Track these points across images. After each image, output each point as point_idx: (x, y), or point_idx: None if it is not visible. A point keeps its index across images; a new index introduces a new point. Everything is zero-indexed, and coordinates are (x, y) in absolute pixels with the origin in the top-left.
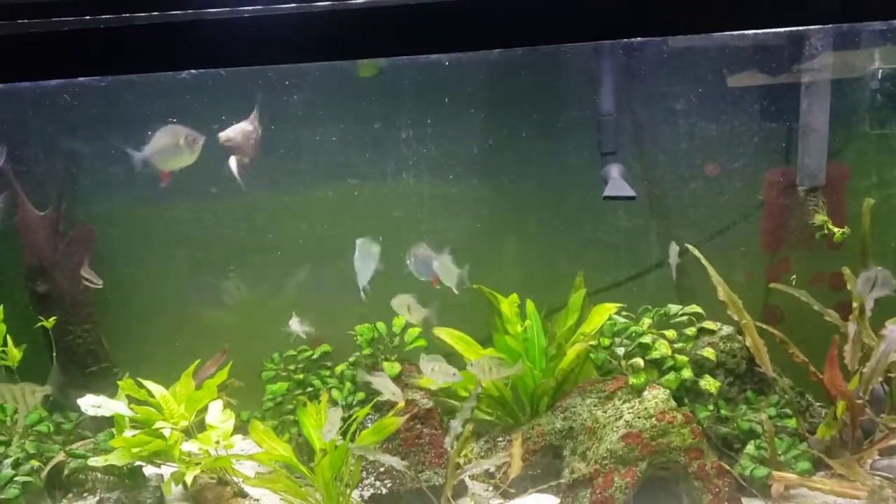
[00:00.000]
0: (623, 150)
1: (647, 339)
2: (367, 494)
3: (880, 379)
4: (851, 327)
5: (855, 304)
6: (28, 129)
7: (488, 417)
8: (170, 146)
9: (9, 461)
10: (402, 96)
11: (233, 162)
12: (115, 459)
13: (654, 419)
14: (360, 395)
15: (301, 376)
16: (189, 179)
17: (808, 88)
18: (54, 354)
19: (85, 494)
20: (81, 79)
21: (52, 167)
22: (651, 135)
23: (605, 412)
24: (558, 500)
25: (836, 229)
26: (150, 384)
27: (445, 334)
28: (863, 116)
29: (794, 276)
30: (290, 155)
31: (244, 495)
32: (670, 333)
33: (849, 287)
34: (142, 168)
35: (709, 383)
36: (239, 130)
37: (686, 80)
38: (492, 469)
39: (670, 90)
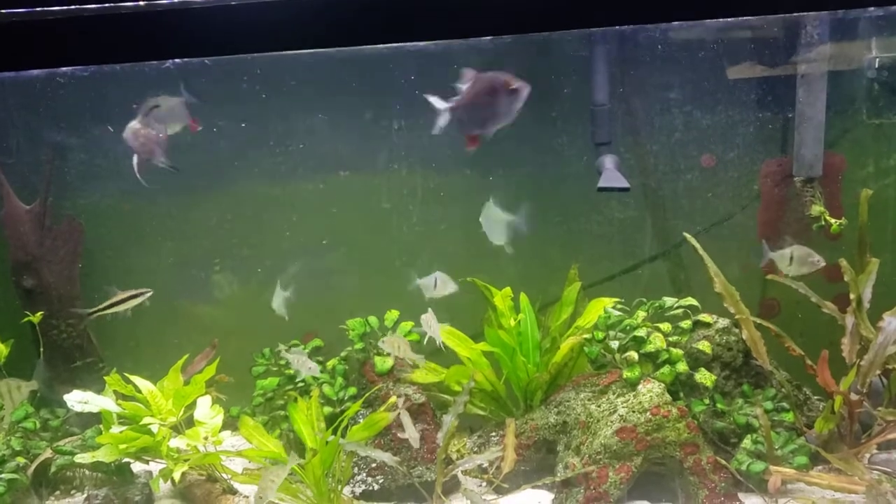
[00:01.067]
0: (617, 140)
1: (641, 333)
2: (358, 490)
3: (878, 372)
4: (849, 319)
5: (853, 296)
6: (11, 121)
7: (481, 412)
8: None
9: None
10: (392, 86)
11: (134, 160)
12: (102, 456)
13: (648, 413)
14: (352, 391)
15: (292, 371)
16: (174, 173)
17: (804, 77)
18: (41, 350)
19: (72, 492)
20: (64, 69)
21: (36, 159)
22: (645, 125)
23: (598, 406)
24: (552, 496)
25: (833, 220)
26: (137, 379)
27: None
28: (860, 105)
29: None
30: (279, 147)
31: (234, 492)
32: (665, 326)
33: (846, 278)
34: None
35: (704, 377)
36: (129, 130)
37: (681, 69)
38: (485, 464)
39: (665, 80)
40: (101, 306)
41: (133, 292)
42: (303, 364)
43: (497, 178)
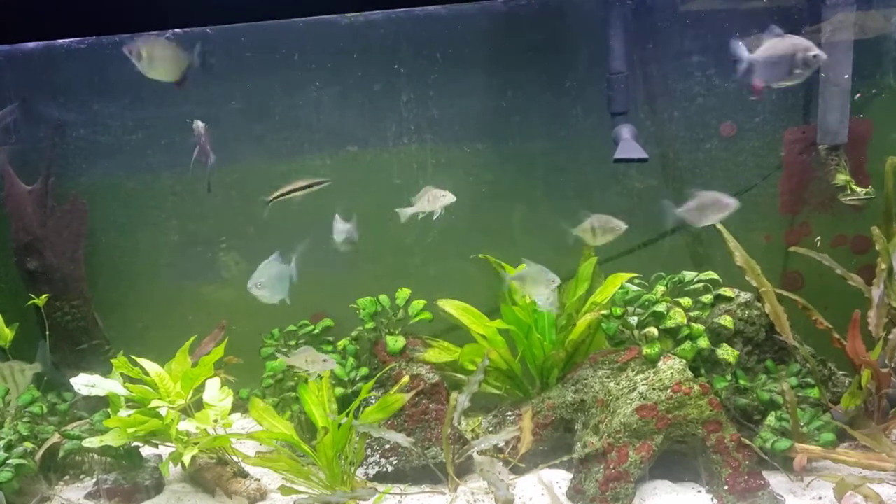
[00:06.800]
0: (634, 109)
1: (661, 308)
2: (371, 472)
3: None
4: (876, 292)
5: (883, 266)
6: (10, 98)
7: (496, 391)
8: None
9: (1, 443)
10: (401, 55)
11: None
12: (110, 440)
13: (669, 391)
14: (364, 371)
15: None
16: (180, 150)
17: (829, 40)
18: (47, 333)
19: (82, 477)
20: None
21: (37, 138)
22: (664, 93)
23: (618, 384)
24: (570, 476)
25: (859, 189)
26: (144, 362)
27: (450, 306)
28: (887, 69)
29: (819, 238)
30: (285, 121)
31: (244, 475)
32: (685, 301)
33: (877, 247)
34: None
35: (727, 352)
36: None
37: (700, 34)
38: (501, 444)
39: (684, 45)
40: (281, 191)
41: (313, 180)
42: (314, 361)
43: (509, 150)
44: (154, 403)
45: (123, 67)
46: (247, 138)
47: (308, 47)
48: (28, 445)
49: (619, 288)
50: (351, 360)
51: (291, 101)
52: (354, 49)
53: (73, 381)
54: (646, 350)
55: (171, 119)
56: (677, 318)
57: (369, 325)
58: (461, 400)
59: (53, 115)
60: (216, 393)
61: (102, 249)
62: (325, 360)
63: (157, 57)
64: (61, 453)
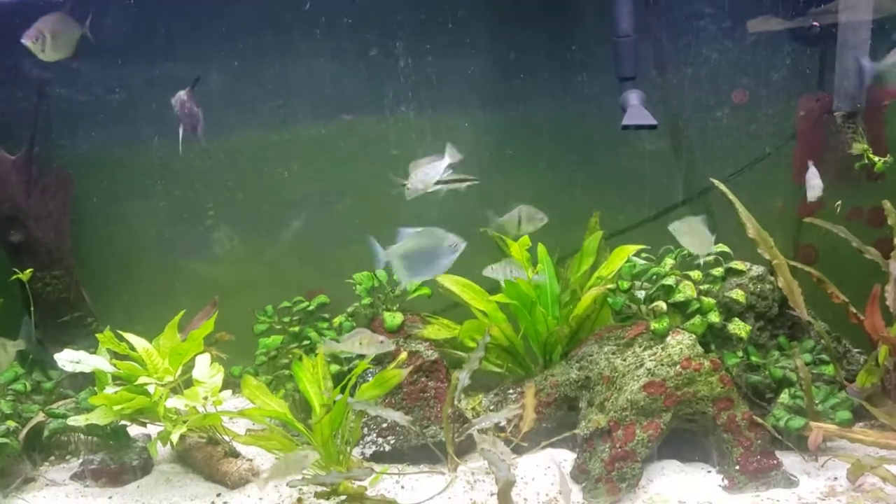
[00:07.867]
0: (643, 74)
1: (669, 281)
2: (368, 452)
3: None
4: (893, 266)
5: None
6: None
7: (498, 369)
8: None
9: None
10: (398, 18)
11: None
12: (96, 418)
13: (678, 367)
14: None
15: (296, 329)
16: (170, 115)
17: (846, 1)
18: (32, 308)
19: (67, 457)
20: None
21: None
22: (673, 58)
23: (624, 360)
24: (574, 455)
25: (876, 158)
26: (130, 337)
27: (450, 282)
28: None
29: (839, 203)
30: (278, 90)
31: (236, 455)
32: (695, 275)
33: (890, 222)
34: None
35: (738, 328)
36: (178, 100)
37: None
38: (503, 423)
39: (694, 7)
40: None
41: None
42: (369, 343)
43: (512, 118)
44: (141, 380)
45: (109, 21)
46: (237, 104)
47: (302, 8)
48: (11, 424)
49: (626, 261)
50: None
51: (283, 69)
52: (350, 13)
53: (57, 356)
54: (654, 325)
55: (159, 82)
56: (687, 291)
57: (366, 301)
58: (462, 378)
59: (36, 77)
60: (206, 369)
61: (88, 220)
62: (381, 342)
63: (60, 36)
64: (46, 432)
